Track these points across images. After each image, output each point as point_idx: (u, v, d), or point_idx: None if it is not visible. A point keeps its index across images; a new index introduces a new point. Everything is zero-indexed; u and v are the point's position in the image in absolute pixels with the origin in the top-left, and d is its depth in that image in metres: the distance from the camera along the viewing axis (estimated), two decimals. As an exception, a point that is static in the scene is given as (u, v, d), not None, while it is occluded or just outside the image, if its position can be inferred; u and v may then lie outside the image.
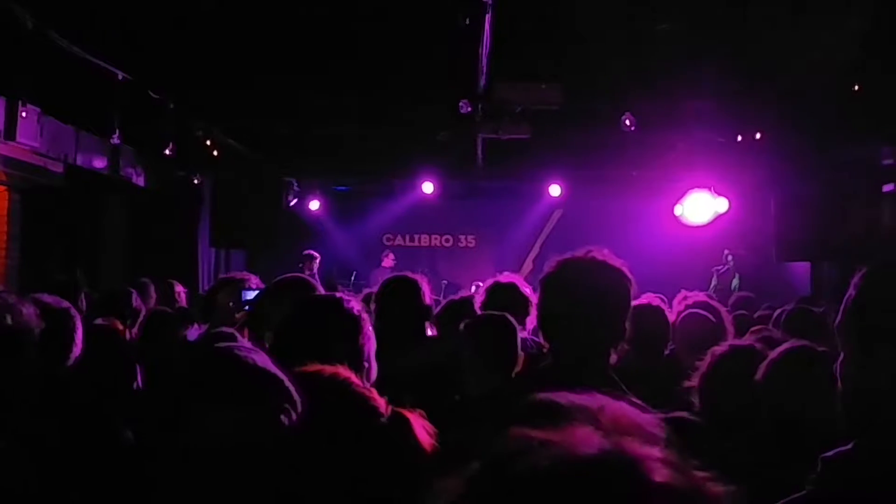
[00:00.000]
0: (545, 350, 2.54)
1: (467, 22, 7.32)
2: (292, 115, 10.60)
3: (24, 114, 7.93)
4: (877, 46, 7.68)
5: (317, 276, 10.58)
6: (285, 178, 13.93)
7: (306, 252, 11.84)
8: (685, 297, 5.26)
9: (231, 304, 3.81)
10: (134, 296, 5.67)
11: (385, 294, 3.99)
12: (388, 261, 14.20)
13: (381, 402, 1.82)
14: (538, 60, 8.92)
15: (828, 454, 1.51)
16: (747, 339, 3.12)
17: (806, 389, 2.30)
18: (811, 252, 11.89)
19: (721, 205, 13.54)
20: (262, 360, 1.68)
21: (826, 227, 11.26)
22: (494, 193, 15.29)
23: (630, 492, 0.69)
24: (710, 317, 4.48)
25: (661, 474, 0.70)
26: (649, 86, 9.28)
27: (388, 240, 15.97)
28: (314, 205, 14.82)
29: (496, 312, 3.70)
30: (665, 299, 6.48)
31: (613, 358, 2.37)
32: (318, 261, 11.98)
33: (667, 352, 4.41)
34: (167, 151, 10.50)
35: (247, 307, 3.57)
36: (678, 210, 14.16)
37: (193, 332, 4.37)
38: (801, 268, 12.84)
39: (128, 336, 4.61)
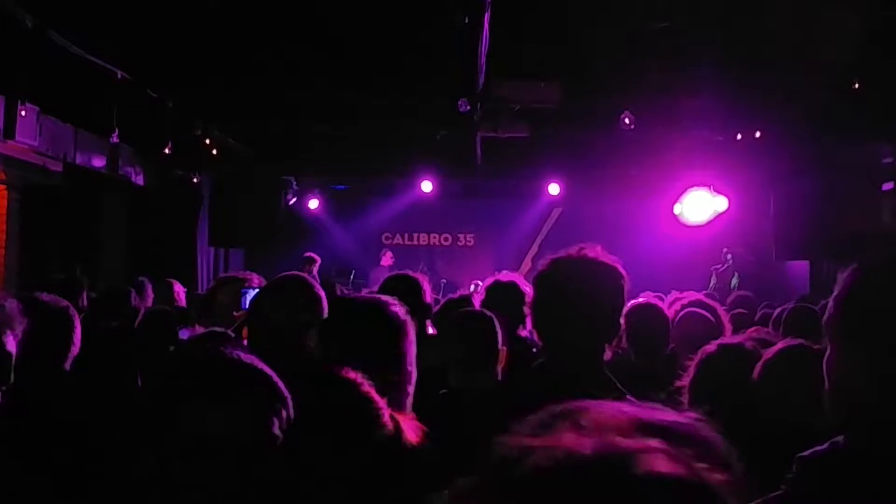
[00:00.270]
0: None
1: (466, 20, 7.32)
2: (291, 114, 10.59)
3: (23, 113, 7.93)
4: (876, 45, 7.68)
5: (317, 279, 10.55)
6: (284, 177, 13.93)
7: (306, 255, 11.83)
8: (676, 299, 5.27)
9: (230, 303, 3.81)
10: (132, 295, 5.67)
11: (386, 292, 3.99)
12: (387, 259, 14.20)
13: (383, 410, 1.82)
14: (537, 59, 8.93)
15: (804, 453, 1.50)
16: (738, 338, 3.12)
17: (801, 389, 2.30)
18: (810, 251, 11.90)
19: (720, 203, 13.55)
20: (249, 358, 1.68)
21: (825, 225, 11.27)
22: (493, 192, 15.29)
23: (633, 485, 0.68)
24: (709, 316, 4.48)
25: (660, 465, 0.70)
26: (648, 84, 9.28)
27: (387, 238, 15.97)
28: (313, 203, 14.82)
29: (478, 309, 3.73)
30: (664, 297, 6.50)
31: (608, 355, 2.37)
32: (317, 264, 11.96)
33: (667, 351, 4.41)
34: (166, 150, 10.49)
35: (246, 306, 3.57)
36: (677, 209, 14.16)
37: (185, 333, 4.37)
38: (800, 266, 12.85)
39: (126, 335, 4.61)
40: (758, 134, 10.96)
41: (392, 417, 1.83)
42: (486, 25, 7.39)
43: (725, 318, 4.59)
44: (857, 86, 8.62)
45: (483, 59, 8.25)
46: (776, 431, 2.31)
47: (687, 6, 7.37)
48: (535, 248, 15.69)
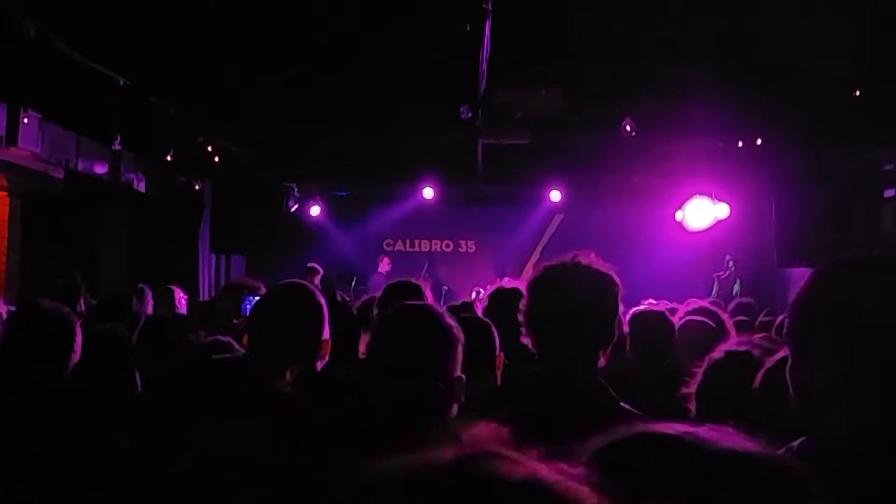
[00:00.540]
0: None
1: (468, 28, 7.33)
2: (293, 121, 10.60)
3: (25, 119, 7.95)
4: (877, 52, 7.69)
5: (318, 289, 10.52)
6: (286, 184, 13.95)
7: (309, 265, 11.81)
8: (673, 312, 5.26)
9: (230, 310, 3.81)
10: (133, 301, 5.66)
11: (388, 298, 3.99)
12: (384, 266, 14.20)
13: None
14: (538, 66, 8.94)
15: None
16: (745, 345, 3.11)
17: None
18: (812, 257, 11.89)
19: (721, 210, 13.54)
20: (260, 374, 1.68)
21: (827, 231, 11.26)
22: (495, 199, 15.28)
23: (485, 488, 0.72)
24: (710, 322, 4.47)
25: (506, 468, 0.73)
26: (650, 91, 9.29)
27: (389, 245, 15.96)
28: (314, 210, 14.82)
29: (473, 316, 3.73)
30: (671, 306, 6.49)
31: (602, 361, 2.36)
32: (319, 276, 11.95)
33: (671, 359, 4.39)
34: (168, 157, 10.50)
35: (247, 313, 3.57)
36: (679, 215, 14.16)
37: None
38: (802, 273, 12.82)
39: (127, 342, 4.60)
40: (759, 141, 10.96)
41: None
42: (488, 33, 7.40)
43: (729, 324, 4.58)
44: (857, 93, 8.63)
45: (484, 66, 8.26)
46: (778, 440, 2.30)
47: (687, 14, 7.38)
48: (536, 255, 15.67)
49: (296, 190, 14.25)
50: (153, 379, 3.36)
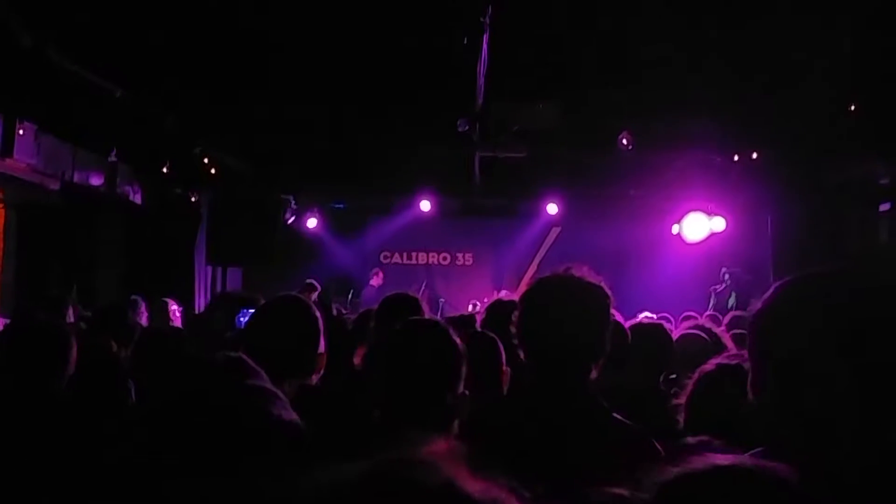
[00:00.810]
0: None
1: (465, 41, 7.35)
2: (290, 133, 10.61)
3: (21, 131, 7.94)
4: (872, 66, 7.72)
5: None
6: (283, 196, 13.94)
7: (308, 281, 11.78)
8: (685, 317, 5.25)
9: (224, 323, 3.80)
10: (128, 314, 5.65)
11: (385, 311, 3.99)
12: (377, 279, 14.20)
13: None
14: (536, 80, 8.96)
15: None
16: (736, 358, 3.10)
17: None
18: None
19: (717, 224, 13.57)
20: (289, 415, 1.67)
21: (823, 245, 11.28)
22: (492, 211, 15.30)
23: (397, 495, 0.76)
24: (705, 336, 4.46)
25: (435, 477, 0.76)
26: (646, 105, 9.32)
27: (386, 257, 15.95)
28: (311, 222, 14.81)
29: (480, 331, 3.72)
30: (670, 318, 6.48)
31: (594, 374, 2.37)
32: (317, 292, 11.93)
33: (669, 372, 4.37)
34: (164, 169, 10.50)
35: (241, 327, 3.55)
36: (675, 229, 14.18)
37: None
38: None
39: (122, 354, 4.59)
40: (755, 155, 10.99)
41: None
42: (485, 46, 7.42)
43: (726, 337, 4.57)
44: (852, 108, 8.66)
45: (482, 80, 8.28)
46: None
47: (684, 29, 7.41)
48: (533, 268, 15.67)
49: (293, 202, 14.24)
50: (148, 390, 3.35)
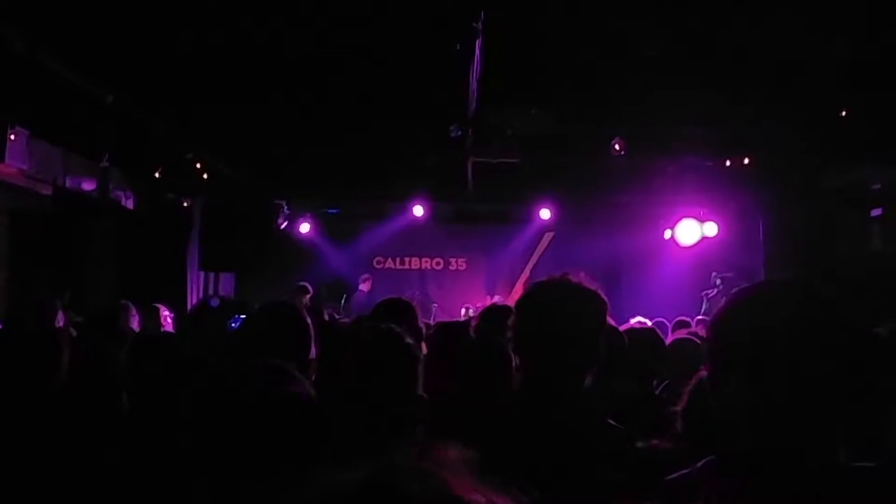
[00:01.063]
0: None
1: (458, 47, 7.36)
2: (282, 138, 10.60)
3: (13, 136, 7.92)
4: (865, 71, 7.75)
5: (307, 308, 10.49)
6: (275, 201, 13.92)
7: (300, 284, 11.76)
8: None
9: (216, 328, 3.79)
10: (120, 319, 5.63)
11: (378, 317, 4.00)
12: (366, 286, 14.20)
13: None
14: (529, 85, 8.97)
15: (671, 476, 1.57)
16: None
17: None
18: (799, 275, 11.94)
19: (709, 229, 13.61)
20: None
21: (814, 250, 11.32)
22: (485, 217, 15.32)
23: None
24: (698, 340, 4.47)
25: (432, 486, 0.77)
26: (639, 111, 9.34)
27: (379, 263, 15.95)
28: (304, 227, 14.80)
29: (487, 341, 3.71)
30: (666, 323, 6.48)
31: (588, 379, 2.37)
32: (310, 295, 11.89)
33: (663, 377, 4.37)
34: (156, 174, 10.47)
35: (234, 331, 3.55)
36: (668, 234, 14.22)
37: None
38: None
39: (113, 360, 4.56)
40: (746, 160, 11.03)
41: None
42: (479, 52, 7.43)
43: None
44: (844, 113, 8.70)
45: (475, 85, 8.29)
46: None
47: (676, 34, 7.43)
48: (526, 273, 15.70)
49: (286, 207, 14.23)
50: (141, 395, 3.33)
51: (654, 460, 2.27)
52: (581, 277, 2.40)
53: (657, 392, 4.13)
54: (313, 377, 2.82)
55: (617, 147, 10.14)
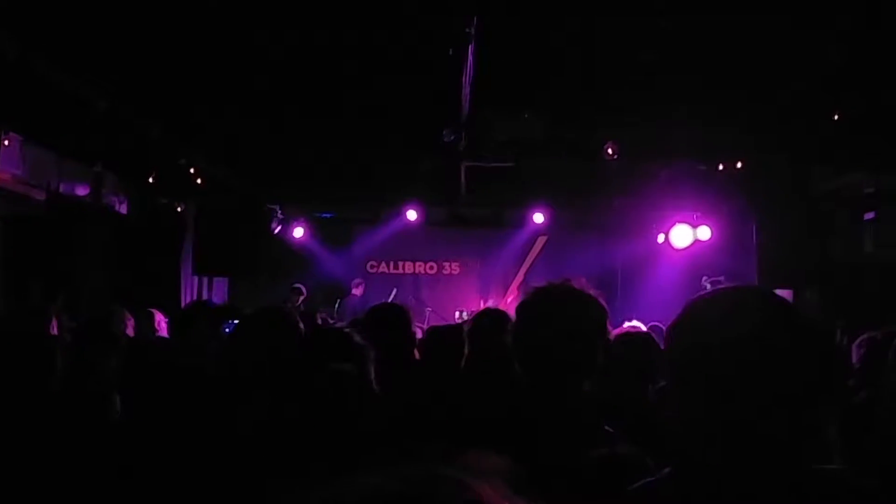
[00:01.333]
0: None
1: (451, 51, 7.37)
2: (276, 143, 10.60)
3: (6, 141, 7.91)
4: (857, 75, 7.79)
5: (301, 309, 10.54)
6: (269, 206, 13.91)
7: (294, 286, 11.74)
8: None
9: (206, 334, 3.79)
10: (113, 324, 5.62)
11: (373, 321, 4.00)
12: (359, 290, 14.19)
13: None
14: (521, 90, 8.99)
15: (634, 485, 1.56)
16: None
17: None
18: (792, 279, 11.97)
19: (703, 233, 13.63)
20: None
21: (807, 254, 11.35)
22: (478, 221, 15.33)
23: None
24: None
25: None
26: (632, 115, 9.36)
27: (373, 267, 15.94)
28: (298, 232, 14.79)
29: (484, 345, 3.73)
30: (662, 327, 6.46)
31: (587, 386, 2.38)
32: (303, 297, 11.85)
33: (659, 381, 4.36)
34: (150, 179, 10.46)
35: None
36: (661, 238, 14.24)
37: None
38: (784, 295, 12.87)
39: (107, 365, 4.55)
40: (739, 164, 11.06)
41: None
42: (471, 56, 7.44)
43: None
44: (836, 117, 8.73)
45: (468, 90, 8.30)
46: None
47: (670, 38, 7.45)
48: (520, 277, 15.71)
49: (279, 211, 14.22)
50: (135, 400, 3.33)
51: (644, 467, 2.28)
52: (582, 283, 2.41)
53: (650, 397, 4.13)
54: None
55: (610, 151, 10.16)
